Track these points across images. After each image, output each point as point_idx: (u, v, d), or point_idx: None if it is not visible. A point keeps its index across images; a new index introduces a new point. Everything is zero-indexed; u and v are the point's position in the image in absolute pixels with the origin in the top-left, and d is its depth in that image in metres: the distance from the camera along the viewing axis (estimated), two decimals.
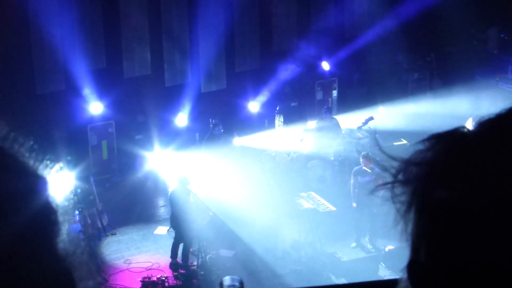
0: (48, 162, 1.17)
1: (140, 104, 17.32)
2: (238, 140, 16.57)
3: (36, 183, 1.15)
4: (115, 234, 14.71)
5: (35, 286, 1.09)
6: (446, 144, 1.07)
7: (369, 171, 13.14)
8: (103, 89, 16.86)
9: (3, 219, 1.07)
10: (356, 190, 13.28)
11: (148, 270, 12.88)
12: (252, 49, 18.82)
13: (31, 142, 1.16)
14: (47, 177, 1.17)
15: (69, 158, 15.02)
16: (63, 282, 1.13)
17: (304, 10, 19.24)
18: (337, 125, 17.13)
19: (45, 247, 1.11)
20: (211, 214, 13.32)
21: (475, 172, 1.01)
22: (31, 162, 1.16)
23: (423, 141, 1.09)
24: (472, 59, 18.82)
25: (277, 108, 18.25)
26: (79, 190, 13.66)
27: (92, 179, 14.63)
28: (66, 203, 1.19)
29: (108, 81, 17.01)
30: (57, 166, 1.20)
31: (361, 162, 13.39)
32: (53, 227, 1.14)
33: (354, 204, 13.47)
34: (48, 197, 1.15)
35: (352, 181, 13.44)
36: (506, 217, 0.98)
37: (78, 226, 14.14)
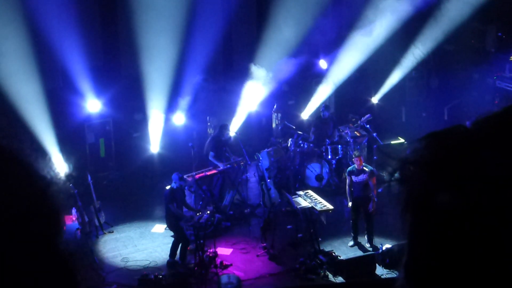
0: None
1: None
2: (233, 134, 16.58)
3: (41, 182, 1.13)
4: (112, 232, 14.70)
5: (38, 286, 1.07)
6: (443, 143, 1.06)
7: (365, 169, 13.12)
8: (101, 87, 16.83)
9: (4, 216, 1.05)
10: (351, 189, 13.26)
11: (145, 268, 12.88)
12: None
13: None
14: (52, 177, 1.16)
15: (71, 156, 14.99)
16: (66, 282, 1.12)
17: None
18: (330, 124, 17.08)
19: (48, 247, 1.10)
20: (208, 212, 13.31)
21: (473, 171, 1.00)
22: (37, 162, 1.14)
23: (420, 139, 1.08)
24: (470, 58, 18.77)
25: (275, 107, 18.23)
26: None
27: (89, 177, 14.61)
28: (65, 203, 1.17)
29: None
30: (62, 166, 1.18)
31: (354, 161, 13.38)
32: (56, 226, 1.12)
33: (350, 204, 13.47)
34: (51, 196, 1.14)
35: (347, 180, 13.42)
36: (504, 216, 0.98)
37: (75, 224, 14.13)
